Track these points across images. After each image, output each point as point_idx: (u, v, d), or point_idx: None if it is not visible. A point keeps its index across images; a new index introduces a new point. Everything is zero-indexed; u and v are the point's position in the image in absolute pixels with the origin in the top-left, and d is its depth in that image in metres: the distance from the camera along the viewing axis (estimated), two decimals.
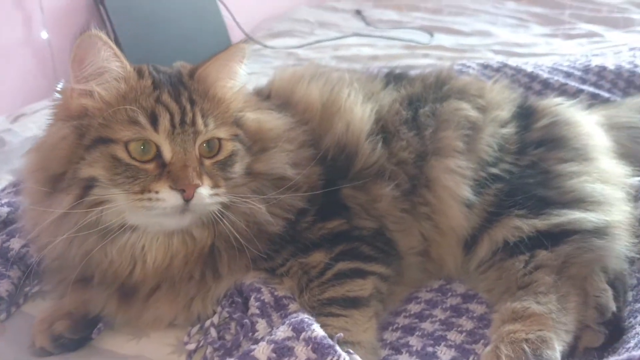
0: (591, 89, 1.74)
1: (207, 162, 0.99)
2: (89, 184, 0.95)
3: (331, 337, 0.85)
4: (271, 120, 1.10)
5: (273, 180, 1.05)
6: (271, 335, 0.84)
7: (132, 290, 1.02)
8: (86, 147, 0.96)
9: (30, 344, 1.05)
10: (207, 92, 1.02)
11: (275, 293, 1.01)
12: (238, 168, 1.02)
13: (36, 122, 1.80)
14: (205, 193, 0.95)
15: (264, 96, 1.22)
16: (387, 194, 1.10)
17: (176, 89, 1.00)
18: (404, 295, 1.11)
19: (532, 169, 1.14)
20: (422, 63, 2.24)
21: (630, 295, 1.03)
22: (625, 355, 0.83)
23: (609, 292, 0.99)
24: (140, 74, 1.01)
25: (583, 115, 1.29)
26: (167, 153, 0.95)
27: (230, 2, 2.76)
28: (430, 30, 2.76)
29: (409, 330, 1.02)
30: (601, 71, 1.82)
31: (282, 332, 0.84)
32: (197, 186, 0.93)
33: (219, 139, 1.00)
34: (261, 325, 0.95)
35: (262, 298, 0.99)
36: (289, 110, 1.16)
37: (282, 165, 1.05)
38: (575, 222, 1.04)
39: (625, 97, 1.67)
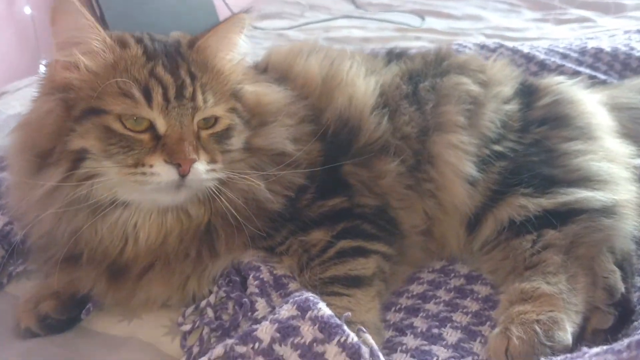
0: (588, 71, 1.72)
1: (204, 133, 0.94)
2: (79, 157, 0.90)
3: (337, 316, 0.81)
4: (270, 94, 1.05)
5: (272, 156, 1.01)
6: (274, 314, 0.80)
7: (123, 269, 0.97)
8: (76, 119, 0.90)
9: (15, 325, 1.00)
10: (207, 64, 0.98)
11: (275, 272, 0.97)
12: (235, 142, 0.97)
13: (19, 100, 1.74)
14: (201, 168, 0.90)
15: (261, 70, 1.18)
16: (392, 170, 1.06)
17: (173, 61, 0.95)
18: (406, 276, 1.08)
19: (535, 147, 1.11)
20: (414, 45, 2.20)
21: (639, 281, 1.01)
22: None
23: (617, 273, 0.97)
24: (122, 43, 0.95)
25: (586, 94, 1.27)
26: (160, 126, 0.90)
27: None
28: (421, 14, 2.72)
29: (413, 311, 0.99)
30: (597, 53, 1.80)
31: (286, 311, 0.80)
32: (193, 161, 0.89)
33: (216, 116, 0.96)
34: (261, 304, 0.91)
35: (261, 277, 0.94)
36: (287, 85, 1.11)
37: (281, 140, 1.01)
38: (583, 201, 1.01)
39: (622, 80, 1.66)
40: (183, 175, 0.89)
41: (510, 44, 1.91)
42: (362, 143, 1.08)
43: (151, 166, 0.88)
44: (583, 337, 0.91)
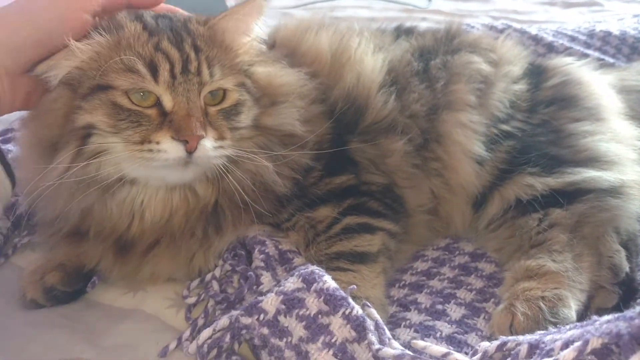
0: (596, 54, 1.71)
1: (212, 110, 0.92)
2: (87, 132, 0.89)
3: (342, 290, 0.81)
4: (284, 76, 1.03)
5: (281, 137, 0.99)
6: (280, 286, 0.81)
7: (129, 244, 0.97)
8: (83, 96, 0.89)
9: (21, 296, 1.00)
10: (215, 39, 0.95)
11: (280, 247, 0.97)
12: (244, 118, 0.95)
13: None
14: (209, 145, 0.89)
15: (268, 46, 1.17)
16: (399, 149, 1.06)
17: (178, 35, 0.93)
18: (410, 253, 1.08)
19: (543, 128, 1.11)
20: (421, 26, 2.18)
21: None
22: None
23: (622, 253, 0.97)
24: (119, 26, 0.92)
25: (595, 75, 1.26)
26: (167, 102, 0.89)
27: None
28: None
29: (417, 287, 0.99)
30: (606, 36, 1.79)
31: (291, 283, 0.80)
32: (200, 137, 0.87)
33: (225, 89, 0.94)
34: (266, 278, 0.91)
35: (266, 251, 0.94)
36: (296, 61, 1.10)
37: (292, 121, 0.99)
38: (590, 181, 1.01)
39: (630, 63, 1.65)
40: (190, 152, 0.87)
41: (518, 26, 1.89)
42: (368, 121, 1.07)
43: (158, 143, 0.87)
44: (587, 316, 0.91)
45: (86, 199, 0.92)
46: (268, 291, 0.82)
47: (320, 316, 0.77)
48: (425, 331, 0.88)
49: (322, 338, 0.75)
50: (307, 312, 0.77)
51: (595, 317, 0.69)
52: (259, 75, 1.00)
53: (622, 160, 1.06)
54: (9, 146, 1.27)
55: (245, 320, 0.79)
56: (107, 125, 0.88)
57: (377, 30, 1.25)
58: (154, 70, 0.88)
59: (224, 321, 0.81)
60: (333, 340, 0.75)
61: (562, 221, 0.98)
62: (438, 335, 0.87)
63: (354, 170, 1.04)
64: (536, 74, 1.21)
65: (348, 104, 1.08)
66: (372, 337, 0.75)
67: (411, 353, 0.72)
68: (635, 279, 0.95)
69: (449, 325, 0.89)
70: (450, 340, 0.86)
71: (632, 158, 1.08)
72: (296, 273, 0.81)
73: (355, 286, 0.84)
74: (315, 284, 0.79)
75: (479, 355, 0.73)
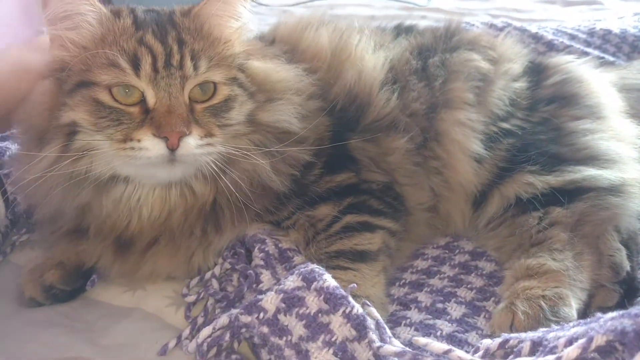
0: (596, 52, 1.71)
1: (199, 107, 0.90)
2: (72, 130, 0.89)
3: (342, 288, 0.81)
4: (281, 71, 1.02)
5: (277, 134, 0.98)
6: (280, 285, 0.80)
7: (128, 242, 0.97)
8: (67, 92, 0.89)
9: (19, 294, 1.00)
10: (201, 30, 0.94)
11: (280, 245, 0.96)
12: (236, 114, 0.93)
13: None
14: (192, 142, 0.87)
15: (268, 42, 1.16)
16: (400, 147, 1.05)
17: (163, 28, 0.92)
18: (410, 252, 1.08)
19: (543, 126, 1.10)
20: (421, 24, 2.18)
21: None
22: None
23: (623, 252, 0.97)
24: (116, 14, 0.93)
25: (595, 74, 1.26)
26: (150, 98, 0.88)
27: None
28: None
29: (417, 286, 0.99)
30: (606, 35, 1.79)
31: (291, 281, 0.80)
32: (181, 134, 0.85)
33: (214, 83, 0.92)
34: (266, 276, 0.90)
35: (266, 249, 0.94)
36: (296, 58, 1.10)
37: (288, 118, 0.98)
38: (591, 179, 1.01)
39: (630, 61, 1.64)
40: (172, 149, 0.86)
41: (518, 23, 1.89)
42: (370, 119, 1.07)
43: (139, 140, 0.86)
44: (587, 315, 0.91)
45: (81, 195, 0.92)
46: (268, 290, 0.81)
47: (320, 315, 0.76)
48: (426, 330, 0.88)
49: (322, 337, 0.75)
50: (307, 311, 0.77)
51: (599, 314, 0.68)
52: (255, 69, 0.98)
53: (622, 158, 1.06)
54: (7, 143, 1.26)
55: (245, 319, 0.78)
56: (89, 123, 0.88)
57: (377, 28, 1.24)
58: (136, 64, 0.87)
59: (223, 320, 0.81)
60: (333, 339, 0.74)
61: (563, 220, 0.97)
62: (438, 334, 0.87)
63: (354, 168, 1.03)
64: (536, 72, 1.21)
65: (349, 101, 1.07)
66: (373, 336, 0.74)
67: (412, 350, 0.72)
68: (636, 278, 0.95)
69: (450, 324, 0.89)
70: (450, 339, 0.86)
71: (632, 156, 1.08)
72: (296, 271, 0.81)
73: (355, 285, 0.84)
74: (315, 283, 0.79)
75: (480, 353, 0.72)
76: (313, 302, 0.77)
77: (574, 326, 0.72)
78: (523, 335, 0.73)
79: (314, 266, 0.82)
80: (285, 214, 1.00)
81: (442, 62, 1.14)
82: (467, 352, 0.73)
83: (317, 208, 1.00)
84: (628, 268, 0.95)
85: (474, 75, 1.12)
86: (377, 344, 0.73)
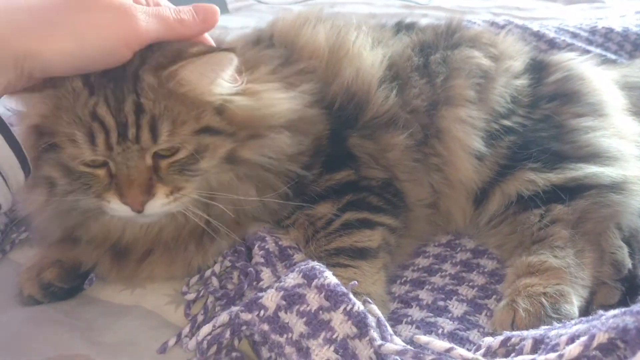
0: (598, 50, 1.70)
1: (164, 163, 0.85)
2: (51, 181, 0.90)
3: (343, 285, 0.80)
4: (271, 106, 0.94)
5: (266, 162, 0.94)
6: (280, 282, 0.80)
7: (124, 251, 0.97)
8: (43, 150, 0.88)
9: (18, 292, 1.00)
10: (170, 90, 0.84)
11: (280, 243, 0.96)
12: (206, 163, 0.88)
13: None
14: (158, 203, 0.85)
15: (266, 40, 1.16)
16: (400, 143, 1.04)
17: (120, 92, 0.82)
18: (411, 249, 1.07)
19: (545, 123, 1.10)
20: (421, 22, 2.18)
21: None
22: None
23: (625, 249, 0.96)
24: (59, 80, 0.84)
25: (597, 71, 1.25)
26: (112, 166, 0.86)
27: None
28: None
29: (418, 284, 0.98)
30: (608, 33, 1.78)
31: (292, 279, 0.79)
32: (143, 202, 0.85)
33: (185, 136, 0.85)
34: (266, 274, 0.90)
35: (266, 247, 0.94)
36: (294, 56, 1.09)
37: (278, 154, 0.93)
38: (593, 177, 1.00)
39: (632, 60, 1.64)
40: (138, 211, 0.86)
41: (520, 21, 1.89)
42: (369, 117, 1.06)
43: (108, 202, 0.87)
44: (589, 312, 0.90)
45: (68, 220, 0.94)
46: (268, 287, 0.81)
47: (321, 312, 0.76)
48: (427, 327, 0.87)
49: (323, 334, 0.74)
50: (308, 308, 0.76)
51: (600, 311, 0.68)
52: (234, 110, 0.90)
53: (624, 156, 1.05)
54: None
55: (245, 316, 0.78)
56: (64, 182, 0.89)
57: (376, 25, 1.23)
58: (92, 139, 0.84)
59: (223, 317, 0.80)
60: (334, 336, 0.74)
61: (564, 217, 0.97)
62: (440, 331, 0.86)
63: (353, 165, 1.03)
64: (538, 69, 1.20)
65: (347, 99, 1.06)
66: (374, 334, 0.74)
67: (413, 349, 0.72)
68: (638, 276, 0.95)
69: (451, 322, 0.88)
70: (452, 336, 0.85)
71: (634, 154, 1.07)
72: (296, 269, 0.81)
73: (356, 282, 0.83)
74: (315, 280, 0.78)
75: (482, 351, 0.72)
76: (314, 300, 0.77)
77: (575, 324, 0.71)
78: (525, 333, 0.73)
79: (315, 263, 0.82)
80: (284, 214, 1.00)
81: (443, 59, 1.14)
82: (469, 350, 0.73)
83: (316, 207, 0.99)
84: (630, 266, 0.94)
85: (475, 73, 1.12)
86: (379, 342, 0.73)
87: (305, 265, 0.81)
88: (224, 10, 2.93)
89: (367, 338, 0.74)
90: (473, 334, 0.86)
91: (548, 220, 0.97)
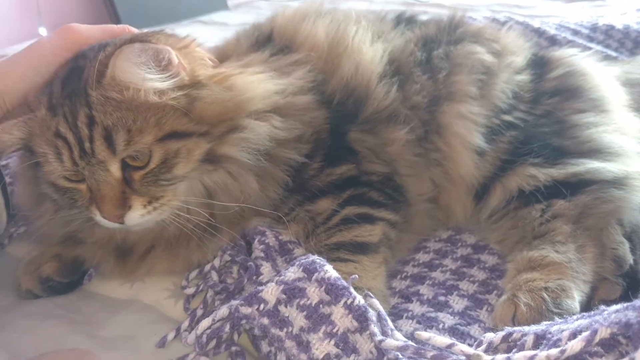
0: (599, 48, 1.69)
1: (137, 175, 0.84)
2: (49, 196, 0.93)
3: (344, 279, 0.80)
4: (248, 89, 0.91)
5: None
6: (280, 276, 0.79)
7: (128, 250, 0.97)
8: (32, 166, 0.91)
9: (16, 286, 1.00)
10: (117, 97, 0.82)
11: (280, 237, 0.96)
12: (182, 169, 0.86)
13: None
14: (136, 214, 0.85)
15: (265, 35, 1.15)
16: (400, 138, 1.04)
17: (75, 108, 0.83)
18: (412, 244, 1.07)
19: (546, 118, 1.09)
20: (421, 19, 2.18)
21: None
22: None
23: (626, 245, 0.96)
24: (29, 107, 0.87)
25: (599, 67, 1.25)
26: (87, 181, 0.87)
27: None
28: None
29: (419, 279, 0.98)
30: (609, 30, 1.78)
31: (292, 273, 0.79)
32: (119, 216, 0.85)
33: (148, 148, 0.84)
34: (266, 268, 0.89)
35: (266, 241, 0.93)
36: (293, 52, 1.09)
37: (265, 140, 0.91)
38: (594, 172, 1.00)
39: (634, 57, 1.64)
40: (120, 223, 0.86)
41: (521, 18, 1.88)
42: (369, 112, 1.05)
43: (94, 215, 0.88)
44: (590, 308, 0.90)
45: (72, 226, 0.95)
46: (268, 281, 0.80)
47: (321, 306, 0.75)
48: (428, 322, 0.87)
49: (323, 328, 0.74)
50: (308, 302, 0.76)
51: (602, 306, 0.67)
52: (202, 106, 0.86)
53: (626, 151, 1.05)
54: None
55: (245, 310, 0.77)
56: (57, 197, 0.91)
57: (375, 18, 1.23)
58: (59, 158, 0.85)
59: (223, 311, 0.80)
60: (334, 330, 0.74)
61: (565, 212, 0.96)
62: (440, 326, 0.86)
63: (354, 160, 1.02)
64: (540, 65, 1.20)
65: (347, 94, 1.06)
66: (375, 328, 0.73)
67: (415, 344, 0.71)
68: (639, 271, 0.94)
69: (452, 317, 0.88)
70: (452, 331, 0.85)
71: (636, 150, 1.07)
72: (297, 262, 0.80)
73: (357, 276, 0.83)
74: (316, 274, 0.78)
75: (483, 347, 0.71)
76: (314, 293, 0.76)
77: (577, 319, 0.71)
78: (526, 328, 0.72)
79: (315, 257, 0.81)
80: (285, 209, 0.99)
81: (446, 55, 1.13)
82: (470, 345, 0.72)
83: (317, 202, 0.99)
84: (631, 261, 0.93)
85: (477, 69, 1.11)
86: (379, 337, 0.72)
87: (305, 259, 0.81)
88: (224, 6, 2.93)
89: (368, 332, 0.73)
90: (474, 329, 0.86)
91: (549, 216, 0.97)
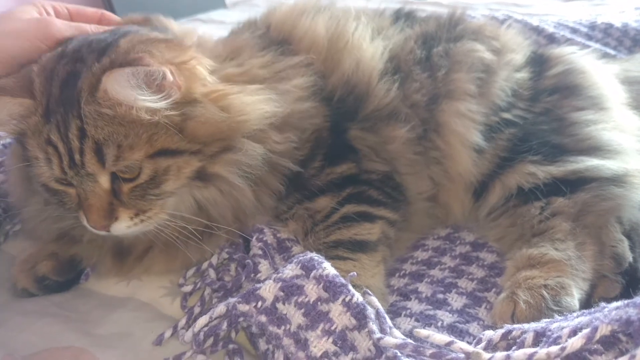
0: (597, 46, 1.69)
1: (126, 187, 0.84)
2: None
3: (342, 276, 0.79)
4: (246, 112, 0.89)
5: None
6: (278, 273, 0.79)
7: (126, 250, 0.97)
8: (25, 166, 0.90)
9: (12, 285, 0.99)
10: (109, 112, 0.81)
11: (278, 235, 0.95)
12: (171, 185, 0.86)
13: None
14: (122, 225, 0.86)
15: (262, 30, 1.14)
16: (400, 136, 1.03)
17: (67, 117, 0.82)
18: (410, 242, 1.06)
19: (545, 116, 1.09)
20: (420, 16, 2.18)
21: None
22: None
23: (625, 243, 0.95)
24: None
25: (598, 65, 1.25)
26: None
27: None
28: None
29: (418, 277, 0.97)
30: (608, 28, 1.77)
31: (290, 270, 0.78)
32: (105, 226, 0.85)
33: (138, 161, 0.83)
34: (264, 266, 0.89)
35: (264, 239, 0.93)
36: (292, 48, 1.08)
37: (252, 165, 0.90)
38: (594, 170, 0.99)
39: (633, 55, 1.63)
40: (106, 232, 0.87)
41: (519, 16, 1.88)
42: (369, 110, 1.05)
43: (82, 220, 0.88)
44: (589, 306, 0.90)
45: (65, 223, 0.94)
46: (266, 279, 0.80)
47: (319, 303, 0.75)
48: (426, 320, 0.86)
49: (321, 325, 0.73)
50: (306, 299, 0.75)
51: (603, 304, 0.67)
52: (196, 125, 0.85)
53: (625, 149, 1.05)
54: None
55: (243, 308, 0.77)
56: (48, 197, 0.91)
57: (374, 12, 1.22)
58: (49, 164, 0.85)
59: (220, 309, 0.79)
60: (333, 328, 0.73)
61: (565, 210, 0.96)
62: (439, 324, 0.85)
63: (354, 158, 1.02)
64: (539, 62, 1.19)
65: (347, 91, 1.05)
66: (373, 326, 0.73)
67: (413, 342, 0.71)
68: (638, 269, 0.94)
69: (450, 315, 0.87)
70: (451, 329, 0.84)
71: (635, 147, 1.07)
72: (295, 260, 0.80)
73: (355, 273, 0.82)
74: (314, 271, 0.77)
75: (483, 344, 0.71)
76: (312, 291, 0.76)
77: (577, 316, 0.71)
78: (526, 326, 0.72)
79: (313, 255, 0.81)
80: (284, 207, 0.99)
81: (445, 52, 1.12)
82: (469, 343, 0.72)
83: (317, 200, 0.98)
84: (630, 259, 0.93)
85: (477, 67, 1.11)
86: (378, 335, 0.72)
87: (303, 256, 0.80)
88: (222, 5, 2.92)
89: (366, 330, 0.73)
90: (473, 327, 0.85)
91: (549, 213, 0.96)
